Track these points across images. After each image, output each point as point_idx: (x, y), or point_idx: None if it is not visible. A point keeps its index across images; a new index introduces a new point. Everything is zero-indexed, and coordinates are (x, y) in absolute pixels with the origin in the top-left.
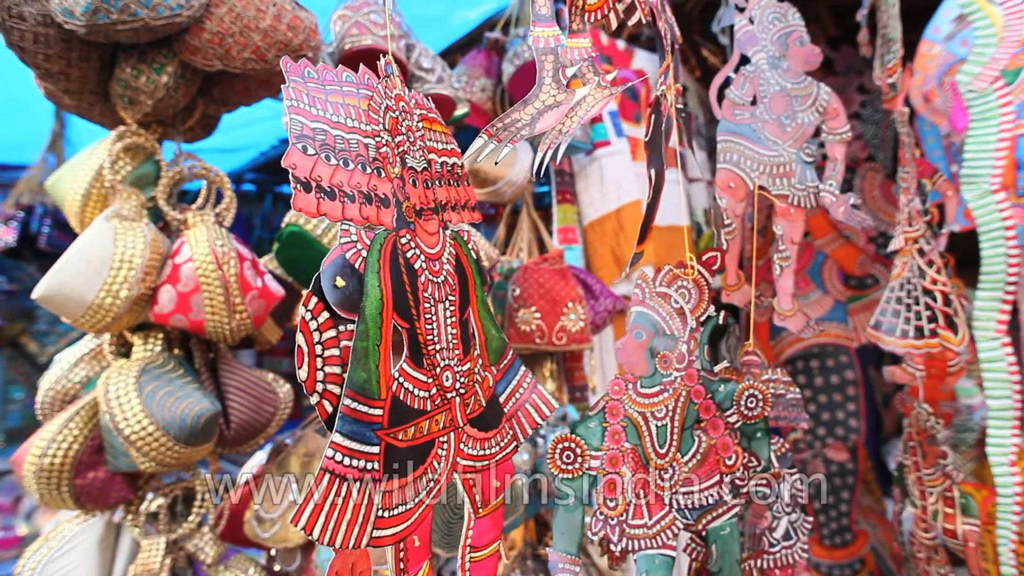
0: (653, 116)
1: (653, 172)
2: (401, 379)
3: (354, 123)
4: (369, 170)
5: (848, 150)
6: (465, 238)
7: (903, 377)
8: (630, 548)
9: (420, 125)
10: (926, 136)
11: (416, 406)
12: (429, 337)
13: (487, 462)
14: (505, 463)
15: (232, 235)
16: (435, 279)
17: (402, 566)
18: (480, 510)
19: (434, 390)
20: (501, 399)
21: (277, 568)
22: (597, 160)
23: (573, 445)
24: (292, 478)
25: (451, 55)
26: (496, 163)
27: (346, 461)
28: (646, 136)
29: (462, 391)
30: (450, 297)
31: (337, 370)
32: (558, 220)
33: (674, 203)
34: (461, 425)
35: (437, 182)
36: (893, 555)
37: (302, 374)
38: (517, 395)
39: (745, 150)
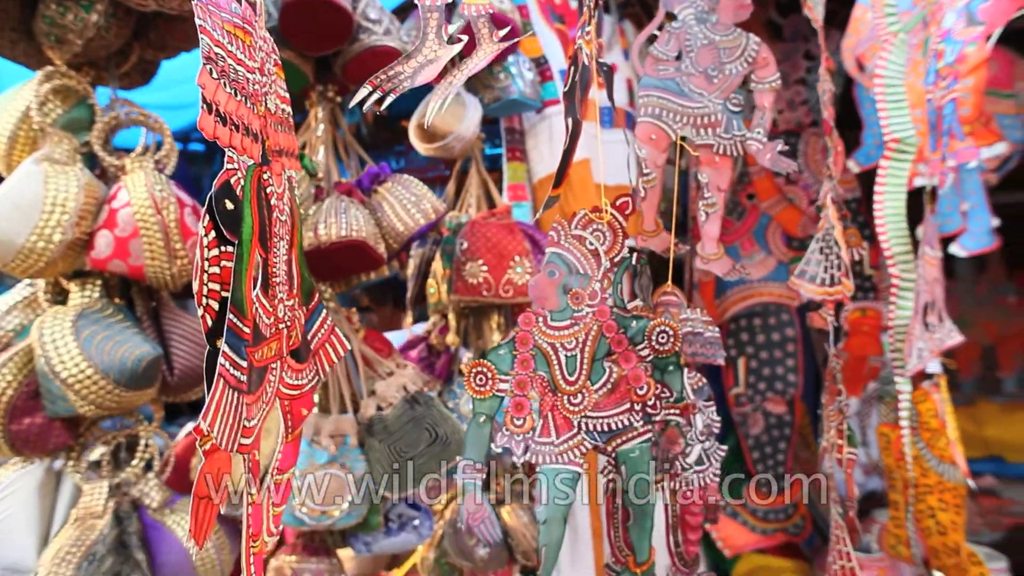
0: (572, 68)
1: (570, 121)
2: (257, 304)
3: (242, 56)
4: (249, 104)
5: (793, 115)
6: (294, 184)
7: (819, 322)
8: (535, 461)
9: (274, 69)
10: (863, 102)
11: (264, 332)
12: (274, 270)
13: (299, 392)
14: (310, 396)
15: (173, 182)
16: (280, 217)
17: (250, 476)
18: (289, 436)
19: (273, 319)
20: (309, 336)
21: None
22: (547, 119)
23: (484, 369)
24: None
25: (405, 12)
26: (444, 117)
27: (231, 370)
28: (565, 87)
29: (288, 324)
30: (287, 236)
31: (216, 287)
32: (508, 177)
33: (621, 163)
34: (285, 355)
35: (280, 127)
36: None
37: (195, 286)
38: (320, 334)
39: (667, 103)
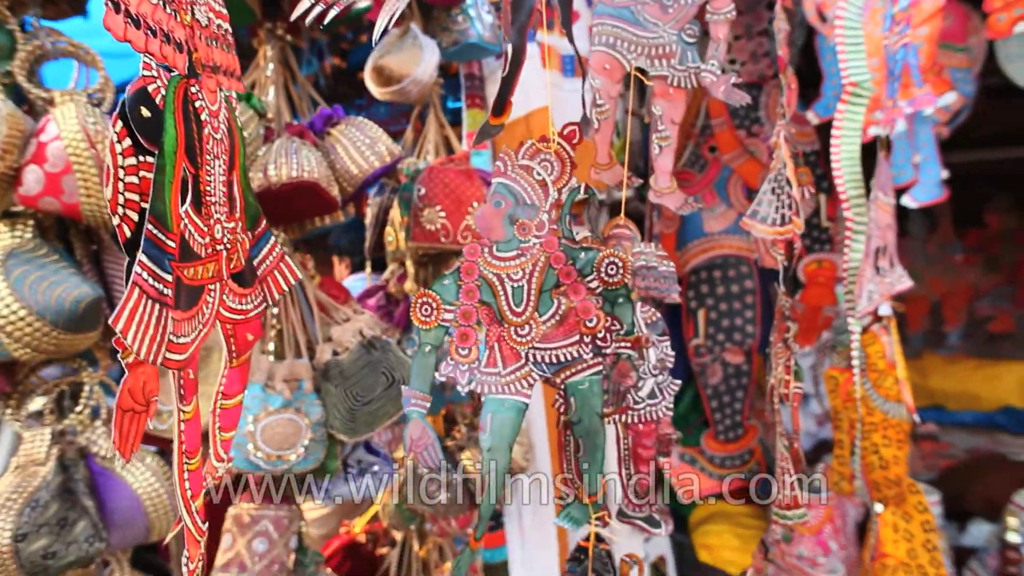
0: None
1: (510, 48)
2: (186, 221)
3: None
4: (169, 10)
5: (756, 68)
6: (234, 105)
7: (770, 262)
8: (480, 390)
9: None
10: (824, 53)
11: (196, 250)
12: (208, 188)
13: (243, 316)
14: (256, 321)
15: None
16: (215, 135)
17: (181, 392)
18: (234, 360)
19: (208, 239)
20: (255, 262)
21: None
22: None
23: (429, 300)
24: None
25: None
26: (400, 60)
27: (150, 281)
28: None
29: (228, 246)
30: (223, 156)
31: (135, 197)
32: (467, 125)
33: (576, 109)
34: (225, 278)
35: (215, 42)
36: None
37: (107, 193)
38: (268, 261)
39: (621, 32)
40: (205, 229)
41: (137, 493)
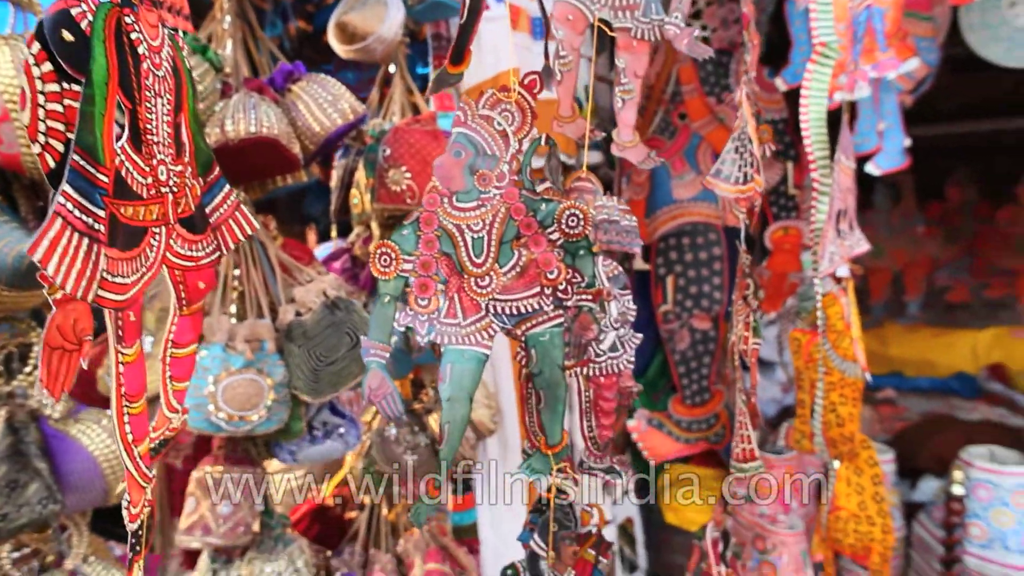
0: None
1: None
2: (123, 157)
3: None
4: None
5: (726, 34)
6: (180, 44)
7: (732, 220)
8: (440, 341)
9: None
10: (793, 19)
11: (136, 189)
12: (148, 126)
13: (193, 263)
14: (208, 270)
15: None
16: (156, 72)
17: (120, 334)
18: (184, 308)
19: (151, 180)
20: (207, 209)
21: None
22: None
23: (388, 250)
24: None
25: None
26: (365, 18)
27: (76, 212)
28: None
29: (175, 189)
30: (167, 95)
31: (60, 127)
32: None
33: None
34: (172, 222)
35: None
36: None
37: (24, 118)
38: (222, 210)
39: None
40: (147, 169)
41: (93, 455)
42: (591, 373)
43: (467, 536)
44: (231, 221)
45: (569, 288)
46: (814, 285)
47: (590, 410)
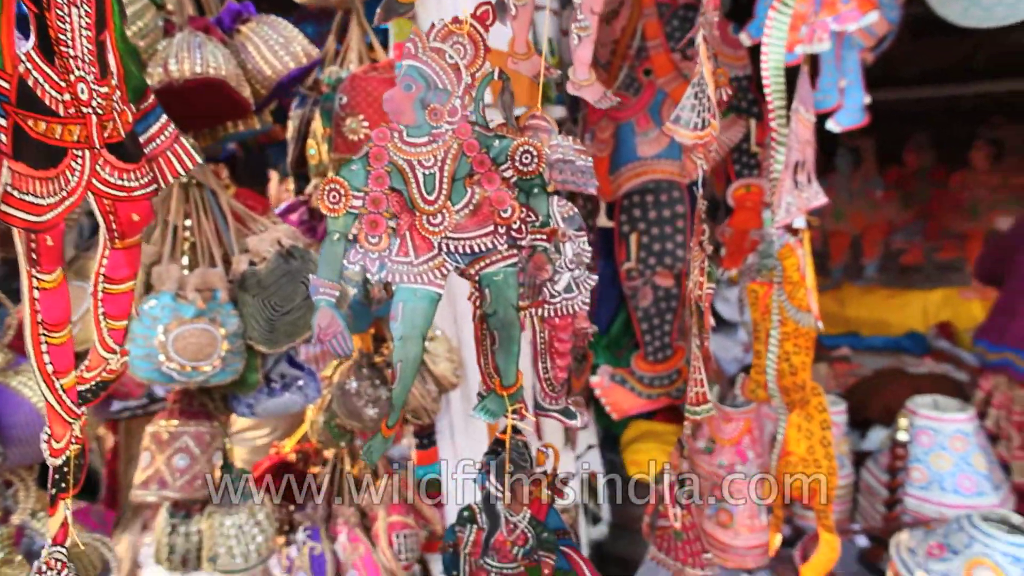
0: None
1: None
2: (30, 65)
3: None
4: None
5: None
6: None
7: (690, 167)
8: (392, 279)
9: None
10: None
11: (48, 103)
12: (62, 37)
13: (125, 193)
14: (143, 202)
15: None
16: None
17: (34, 256)
18: (116, 241)
19: (68, 96)
20: (142, 139)
21: None
22: None
23: (337, 186)
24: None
25: None
26: None
27: None
28: None
29: (99, 111)
30: (85, 6)
31: None
32: (394, 35)
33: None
34: (98, 146)
35: None
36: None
37: None
38: (158, 140)
39: None
40: (63, 84)
41: (36, 407)
42: (546, 314)
43: (431, 490)
44: (170, 154)
45: (523, 227)
46: (773, 243)
47: (545, 351)
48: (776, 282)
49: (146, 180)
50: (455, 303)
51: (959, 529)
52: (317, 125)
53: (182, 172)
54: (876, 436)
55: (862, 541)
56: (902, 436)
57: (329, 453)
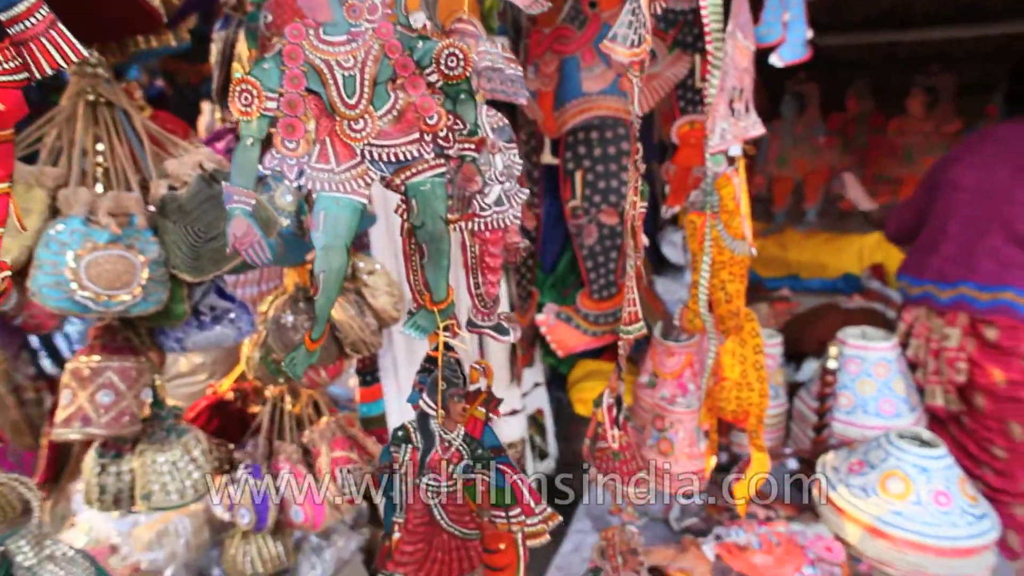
0: None
1: None
2: None
3: None
4: None
5: None
6: None
7: (627, 86)
8: (312, 187)
9: None
10: None
11: None
12: None
13: None
14: (9, 91)
15: None
16: None
17: None
18: None
19: None
20: (3, 18)
21: None
22: None
23: (249, 87)
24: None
25: None
26: None
27: None
28: None
29: None
30: None
31: None
32: None
33: None
34: None
35: None
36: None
37: None
38: (27, 23)
39: None
40: None
41: None
42: (476, 228)
43: (376, 427)
44: (44, 41)
45: (450, 135)
46: (710, 173)
47: (476, 266)
48: (712, 212)
49: (12, 66)
50: (395, 238)
51: (877, 447)
52: (242, 47)
53: (62, 64)
54: (809, 368)
55: (793, 464)
56: (832, 364)
57: (269, 392)
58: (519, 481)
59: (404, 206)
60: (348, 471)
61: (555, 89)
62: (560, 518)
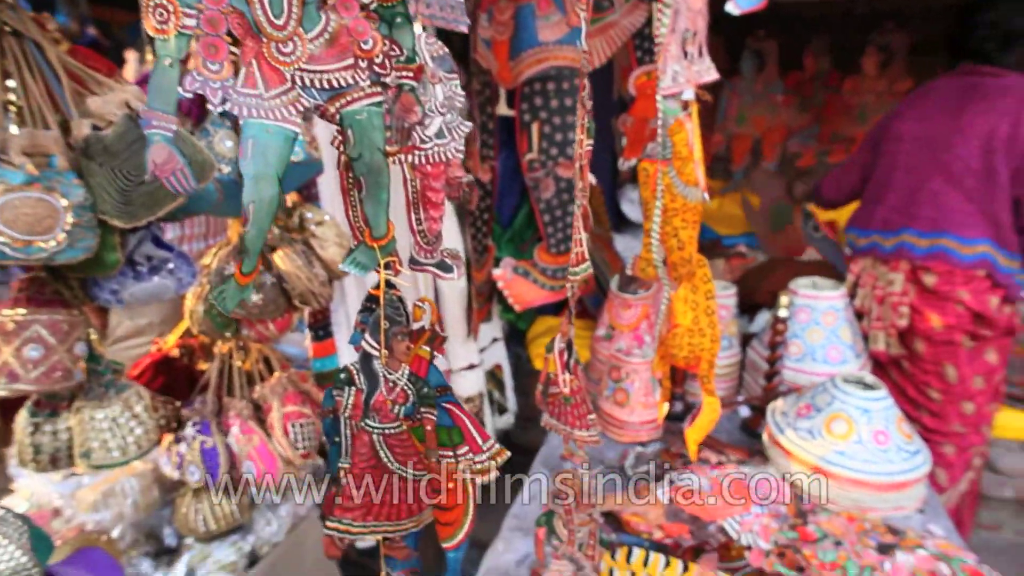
0: None
1: None
2: None
3: None
4: None
5: None
6: None
7: (575, 21)
8: (238, 113)
9: None
10: None
11: None
12: None
13: None
14: None
15: None
16: None
17: None
18: None
19: None
20: None
21: None
22: None
23: (164, 1)
24: None
25: None
26: None
27: None
28: None
29: None
30: None
31: None
32: None
33: None
34: None
35: None
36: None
37: None
38: None
39: None
40: None
41: None
42: (417, 161)
43: (329, 382)
44: None
45: (387, 62)
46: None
47: (417, 201)
48: (665, 159)
49: None
50: None
51: (823, 391)
52: None
53: None
54: (763, 319)
55: (745, 411)
56: (783, 313)
57: (218, 348)
58: (465, 419)
59: (340, 137)
60: (301, 425)
61: (510, 38)
62: (508, 453)
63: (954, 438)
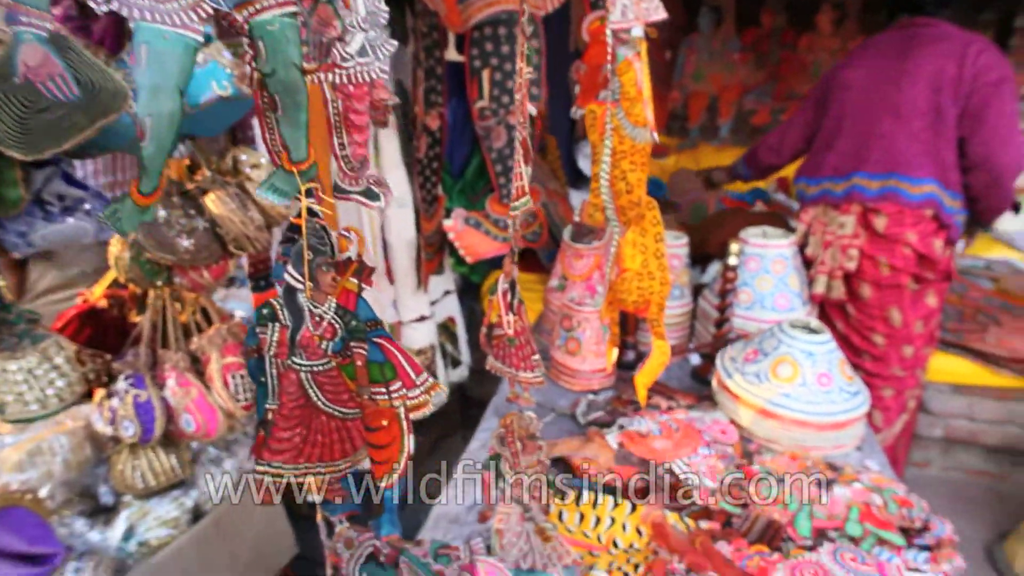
0: None
1: None
2: None
3: None
4: None
5: None
6: None
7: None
8: (129, 15)
9: None
10: None
11: None
12: None
13: None
14: None
15: None
16: None
17: None
18: None
19: None
20: None
21: None
22: None
23: None
24: None
25: None
26: None
27: None
28: None
29: None
30: None
31: None
32: None
33: None
34: None
35: None
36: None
37: None
38: None
39: None
40: None
41: None
42: (338, 80)
43: None
44: None
45: None
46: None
47: (340, 124)
48: (614, 100)
49: None
50: None
51: (770, 336)
52: None
53: None
54: (714, 269)
55: (695, 360)
56: (733, 261)
57: (150, 299)
58: (397, 353)
59: (251, 51)
60: (242, 376)
61: None
62: (443, 388)
63: (893, 381)
